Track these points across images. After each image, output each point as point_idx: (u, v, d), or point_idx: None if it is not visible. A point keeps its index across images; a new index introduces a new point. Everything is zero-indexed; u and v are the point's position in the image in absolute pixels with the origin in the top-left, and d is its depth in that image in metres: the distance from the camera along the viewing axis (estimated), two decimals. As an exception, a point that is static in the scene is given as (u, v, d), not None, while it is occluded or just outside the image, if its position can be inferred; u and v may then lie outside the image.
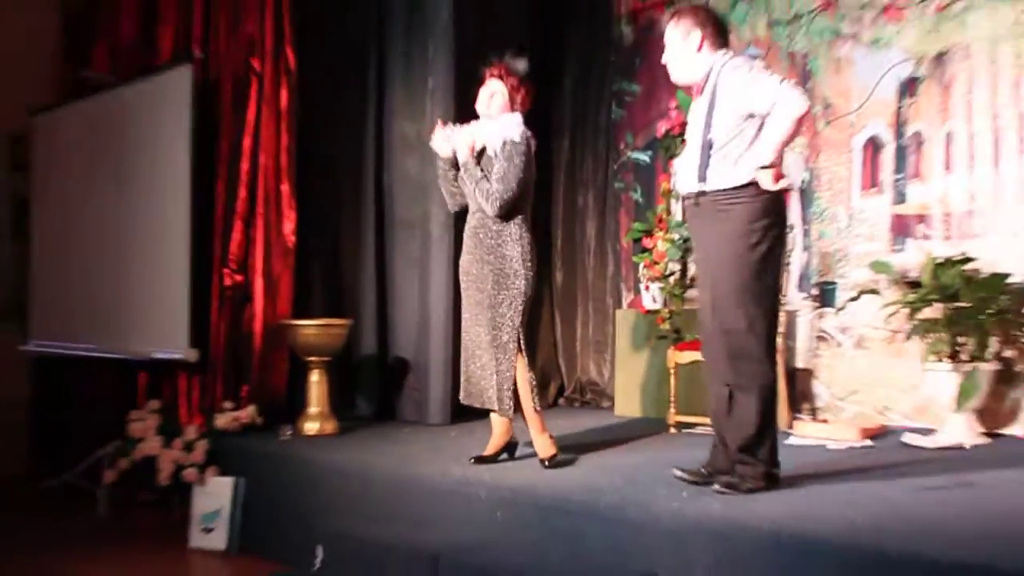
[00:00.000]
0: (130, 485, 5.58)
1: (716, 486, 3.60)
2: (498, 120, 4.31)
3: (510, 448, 4.47)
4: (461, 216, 5.65)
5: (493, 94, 4.35)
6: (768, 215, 3.53)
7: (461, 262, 4.41)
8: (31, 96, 7.26)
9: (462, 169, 4.31)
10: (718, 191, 3.55)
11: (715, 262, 3.59)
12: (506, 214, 4.25)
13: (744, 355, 3.56)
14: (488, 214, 4.26)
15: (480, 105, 4.37)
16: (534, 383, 4.30)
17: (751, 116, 3.51)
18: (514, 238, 4.27)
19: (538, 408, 4.30)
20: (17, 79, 7.22)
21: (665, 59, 3.77)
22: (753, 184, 3.49)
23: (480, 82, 4.38)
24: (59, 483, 6.13)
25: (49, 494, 6.11)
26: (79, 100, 6.99)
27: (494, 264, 4.27)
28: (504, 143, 4.24)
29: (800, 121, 3.46)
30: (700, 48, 3.66)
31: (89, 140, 6.77)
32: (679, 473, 3.78)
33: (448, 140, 4.37)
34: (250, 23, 5.96)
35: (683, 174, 3.73)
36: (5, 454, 6.81)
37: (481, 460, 4.35)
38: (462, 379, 4.42)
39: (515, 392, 4.24)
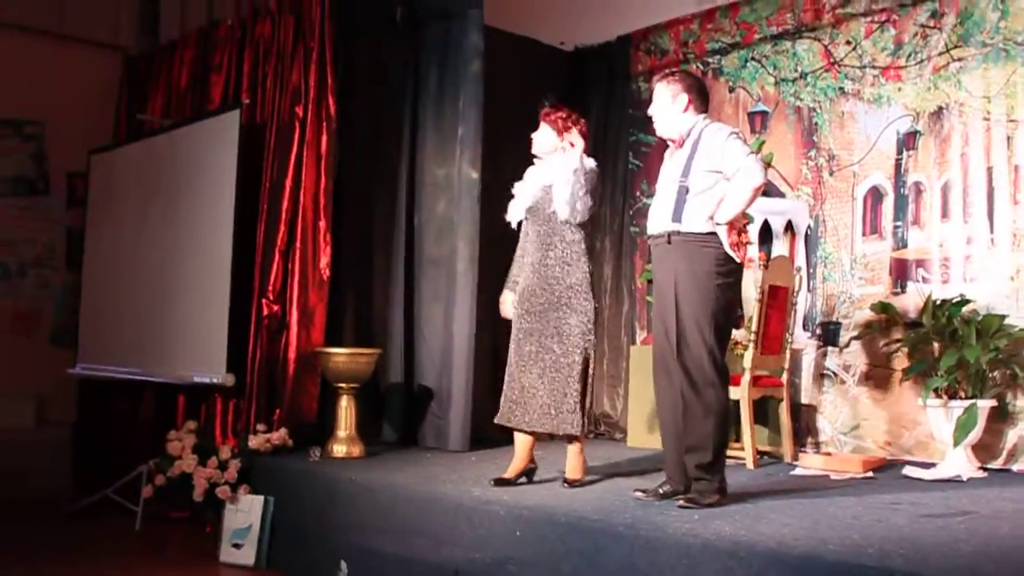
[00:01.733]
0: (166, 501, 5.50)
1: (680, 501, 3.71)
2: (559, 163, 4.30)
3: (529, 472, 4.37)
4: (485, 253, 5.67)
5: (539, 137, 4.40)
6: (732, 260, 3.75)
7: (524, 292, 4.31)
8: (92, 137, 7.31)
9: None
10: (691, 233, 3.73)
11: (682, 296, 3.73)
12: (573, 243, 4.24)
13: (703, 381, 3.71)
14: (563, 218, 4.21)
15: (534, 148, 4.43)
16: (588, 406, 4.27)
17: (720, 174, 3.71)
18: (581, 268, 4.24)
19: (584, 431, 4.25)
20: (80, 121, 7.33)
21: (652, 112, 3.97)
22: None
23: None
24: (98, 499, 6.05)
25: (89, 510, 6.04)
26: (135, 141, 7.03)
27: (562, 294, 4.21)
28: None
29: (756, 191, 3.68)
30: (685, 109, 3.86)
31: (142, 178, 6.79)
32: (639, 494, 3.91)
33: None
34: (295, 73, 5.99)
35: (655, 215, 3.88)
36: (53, 472, 6.75)
37: (501, 482, 4.25)
38: (531, 407, 4.24)
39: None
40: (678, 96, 3.86)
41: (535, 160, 4.46)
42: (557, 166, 4.28)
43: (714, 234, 3.72)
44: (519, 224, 4.43)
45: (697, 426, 3.72)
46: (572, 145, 4.27)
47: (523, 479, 4.34)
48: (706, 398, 3.71)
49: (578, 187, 4.15)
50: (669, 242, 3.79)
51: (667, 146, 4.03)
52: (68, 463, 7.03)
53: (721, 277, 3.74)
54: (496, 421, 4.36)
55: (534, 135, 4.43)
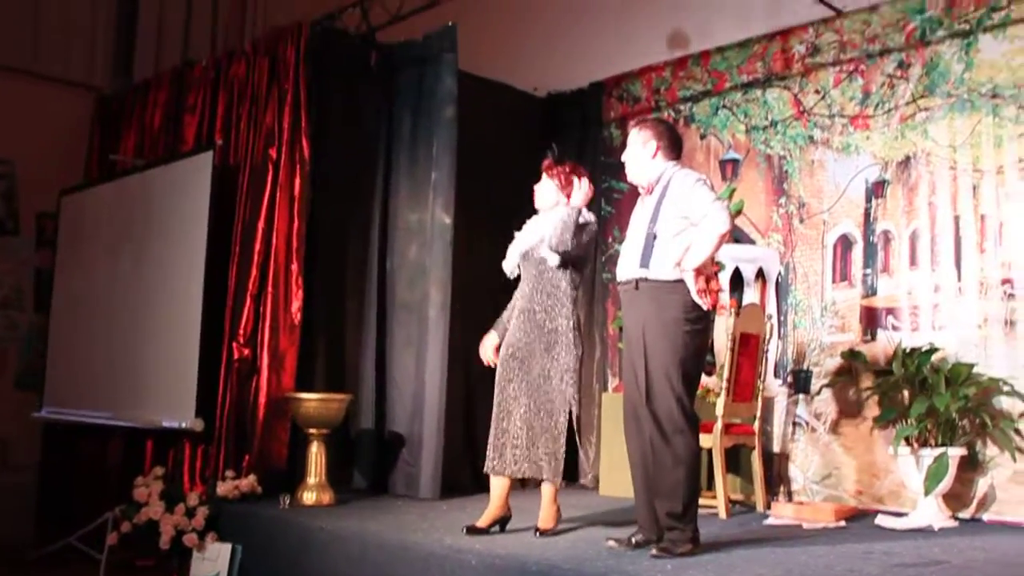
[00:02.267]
0: (131, 549, 5.38)
1: (653, 551, 3.70)
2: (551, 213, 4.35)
3: (503, 521, 4.33)
4: (457, 299, 5.66)
5: (540, 190, 4.43)
6: (700, 306, 3.73)
7: (511, 338, 4.32)
8: (62, 177, 7.24)
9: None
10: (659, 280, 3.76)
11: (651, 343, 3.74)
12: (559, 289, 4.25)
13: (672, 428, 3.71)
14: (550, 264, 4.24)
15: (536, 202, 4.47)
16: (581, 454, 4.28)
17: (687, 219, 3.74)
18: (564, 314, 4.24)
19: (559, 481, 4.23)
20: (50, 161, 7.25)
21: (624, 158, 4.03)
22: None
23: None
24: (61, 546, 5.92)
25: (52, 558, 5.90)
26: (107, 182, 6.97)
27: (546, 339, 4.21)
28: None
29: (722, 237, 3.69)
30: (655, 156, 3.92)
31: (113, 219, 6.73)
32: (612, 543, 3.90)
33: None
34: (269, 115, 5.98)
35: (625, 262, 3.90)
36: (14, 518, 6.60)
37: (474, 530, 4.21)
38: (509, 451, 4.22)
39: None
40: (648, 143, 3.93)
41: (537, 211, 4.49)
42: (553, 215, 4.31)
43: (682, 281, 3.73)
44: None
45: (667, 475, 3.72)
46: (571, 200, 4.31)
47: (495, 528, 4.29)
48: (676, 446, 3.71)
49: (566, 233, 4.17)
50: (637, 288, 3.81)
51: (639, 193, 4.06)
52: (31, 509, 6.88)
53: (690, 324, 3.75)
54: (484, 471, 4.32)
55: (536, 187, 4.45)
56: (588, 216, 4.31)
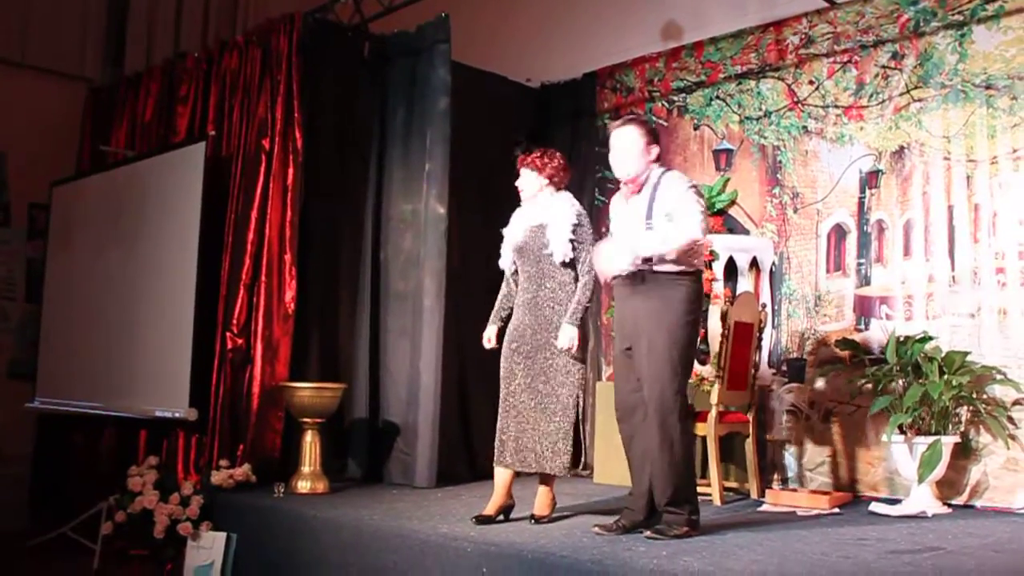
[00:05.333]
0: (125, 538, 5.36)
1: (647, 533, 3.76)
2: (548, 203, 4.34)
3: (507, 510, 4.32)
4: (451, 288, 5.65)
5: (522, 183, 4.43)
6: (698, 299, 3.89)
7: (513, 331, 4.31)
8: (54, 168, 7.22)
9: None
10: (661, 273, 3.83)
11: (653, 334, 3.81)
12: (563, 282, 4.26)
13: (672, 415, 3.78)
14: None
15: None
16: (584, 446, 4.30)
17: (671, 220, 3.84)
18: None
19: (567, 472, 4.26)
20: (42, 152, 7.24)
21: (618, 154, 4.00)
22: (692, 273, 3.87)
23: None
24: (55, 536, 5.90)
25: (46, 548, 5.88)
26: (99, 173, 6.94)
27: (552, 334, 4.20)
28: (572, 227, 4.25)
29: (690, 243, 3.81)
30: (647, 154, 3.96)
31: (105, 210, 6.70)
32: (597, 529, 3.92)
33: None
34: (262, 106, 5.96)
35: (619, 255, 3.89)
36: (7, 508, 6.58)
37: (483, 520, 4.19)
38: (513, 445, 4.23)
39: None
40: (640, 140, 3.96)
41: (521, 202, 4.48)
42: (552, 207, 4.31)
43: (683, 273, 3.84)
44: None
45: (665, 462, 3.77)
46: (551, 181, 4.32)
47: (500, 516, 4.29)
48: (674, 432, 3.77)
49: (579, 228, 4.23)
50: (643, 281, 3.86)
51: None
52: (24, 499, 6.86)
53: (689, 315, 3.85)
54: (495, 464, 4.33)
55: (518, 183, 4.44)
56: (582, 210, 4.36)
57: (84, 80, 7.62)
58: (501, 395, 4.30)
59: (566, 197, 4.36)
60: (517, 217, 4.45)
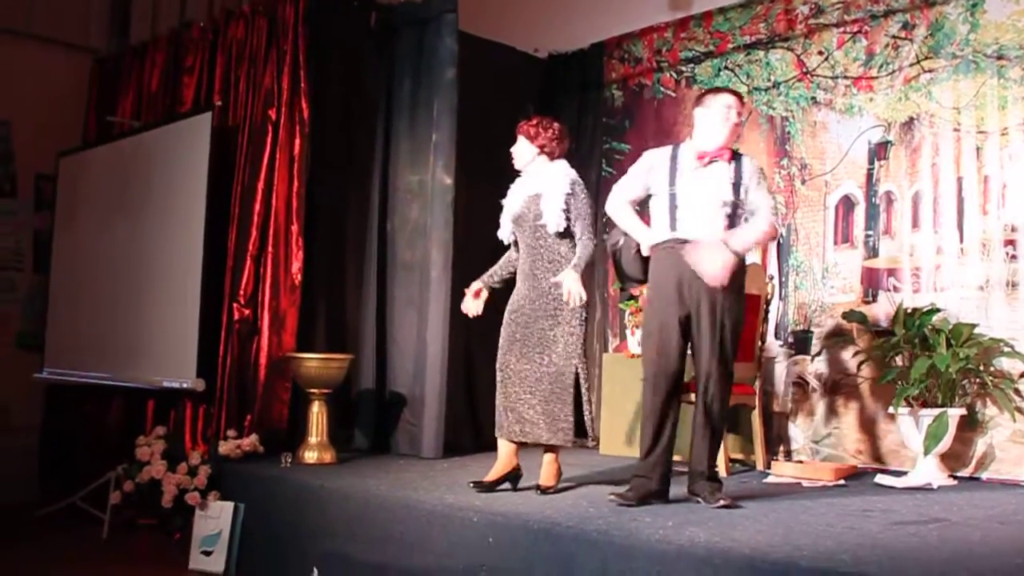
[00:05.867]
0: (134, 508, 5.41)
1: (721, 501, 3.86)
2: (541, 172, 4.34)
3: (514, 478, 4.33)
4: (459, 259, 5.64)
5: (516, 150, 4.41)
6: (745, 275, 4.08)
7: (513, 301, 4.32)
8: (60, 138, 7.21)
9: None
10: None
11: (727, 311, 3.89)
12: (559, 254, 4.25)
13: (728, 390, 4.01)
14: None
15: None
16: (590, 417, 4.28)
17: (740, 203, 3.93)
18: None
19: (572, 444, 4.24)
20: (48, 122, 7.23)
21: (713, 123, 3.96)
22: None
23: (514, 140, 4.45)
24: (64, 506, 5.95)
25: (55, 517, 5.93)
26: (105, 143, 6.93)
27: (552, 304, 4.20)
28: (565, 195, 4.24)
29: (766, 236, 4.08)
30: (728, 128, 3.96)
31: (112, 181, 6.70)
32: (613, 497, 3.95)
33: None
34: (268, 76, 5.93)
35: (702, 225, 3.88)
36: (16, 479, 6.62)
37: (480, 485, 4.22)
38: (513, 416, 4.24)
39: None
40: (730, 113, 3.95)
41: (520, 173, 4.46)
42: (545, 176, 4.28)
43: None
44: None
45: (717, 436, 4.05)
46: (542, 149, 4.31)
47: (507, 484, 4.30)
48: (728, 409, 4.04)
49: (571, 198, 4.21)
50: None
51: (639, 154, 4.09)
52: (33, 469, 6.90)
53: (742, 291, 4.01)
54: (496, 434, 4.34)
55: (513, 148, 4.41)
56: (577, 178, 4.34)
57: (89, 50, 7.59)
58: (498, 364, 4.30)
59: (560, 166, 4.33)
60: (515, 187, 4.44)
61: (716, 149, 3.94)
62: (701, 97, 4.06)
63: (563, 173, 4.30)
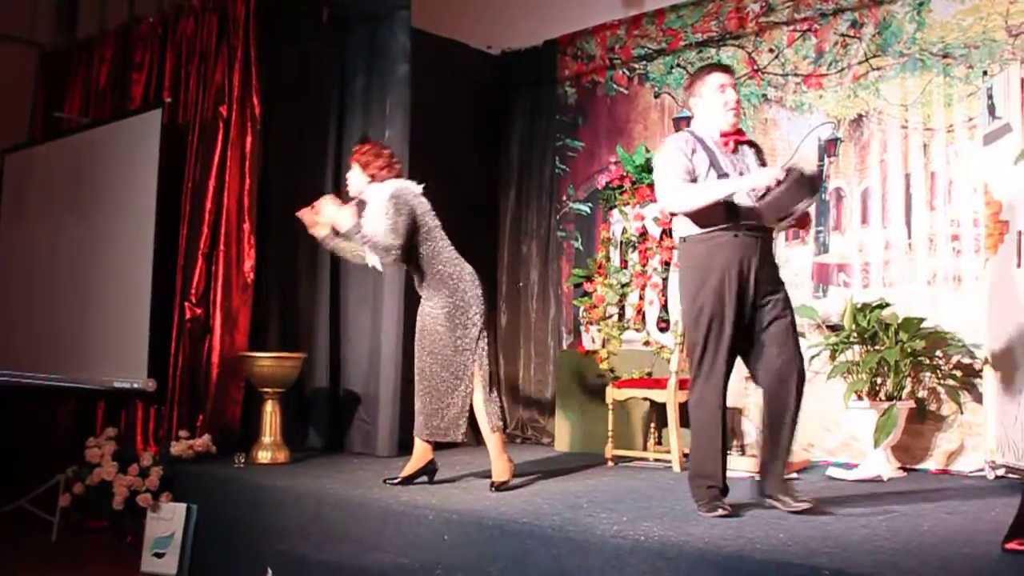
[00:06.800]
0: (84, 510, 5.31)
1: (802, 505, 3.62)
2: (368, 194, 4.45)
3: (430, 472, 4.43)
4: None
5: (348, 178, 4.54)
6: None
7: (417, 318, 4.47)
8: (5, 135, 7.07)
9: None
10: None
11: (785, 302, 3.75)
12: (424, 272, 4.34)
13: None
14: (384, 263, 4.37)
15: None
16: (492, 406, 4.33)
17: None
18: (445, 293, 4.31)
19: (495, 429, 4.29)
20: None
21: (737, 106, 3.76)
22: None
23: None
24: (12, 509, 5.83)
25: (2, 521, 5.80)
26: (52, 140, 6.80)
27: (439, 319, 4.30)
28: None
29: None
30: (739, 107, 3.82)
31: (59, 178, 6.58)
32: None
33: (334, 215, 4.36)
34: (219, 73, 5.87)
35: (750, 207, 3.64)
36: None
37: (393, 481, 4.35)
38: (422, 418, 4.37)
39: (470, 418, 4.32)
40: (738, 101, 3.78)
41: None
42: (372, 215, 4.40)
43: None
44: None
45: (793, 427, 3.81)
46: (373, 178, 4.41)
47: (423, 478, 4.42)
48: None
49: (389, 235, 4.28)
50: (770, 238, 3.75)
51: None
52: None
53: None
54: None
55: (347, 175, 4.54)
56: (398, 192, 4.33)
57: (35, 45, 7.44)
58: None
59: (383, 198, 4.36)
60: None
61: (737, 133, 3.77)
62: (690, 86, 3.83)
63: (382, 201, 4.35)
